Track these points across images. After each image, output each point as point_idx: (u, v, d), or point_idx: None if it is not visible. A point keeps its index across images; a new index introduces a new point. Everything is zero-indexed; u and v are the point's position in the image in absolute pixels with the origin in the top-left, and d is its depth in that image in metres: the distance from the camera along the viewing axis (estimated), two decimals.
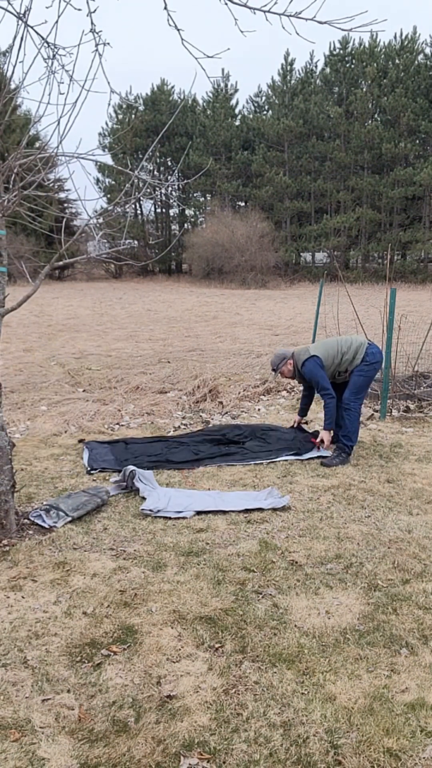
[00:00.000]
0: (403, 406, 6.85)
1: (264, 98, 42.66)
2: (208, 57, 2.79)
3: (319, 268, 38.72)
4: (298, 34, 2.72)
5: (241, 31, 2.68)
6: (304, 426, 5.88)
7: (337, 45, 37.86)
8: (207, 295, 27.06)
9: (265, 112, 41.88)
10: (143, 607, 2.88)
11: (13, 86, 3.27)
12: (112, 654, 2.54)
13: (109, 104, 3.61)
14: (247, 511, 4.05)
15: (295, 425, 5.81)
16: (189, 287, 33.57)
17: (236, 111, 41.88)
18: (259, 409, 6.94)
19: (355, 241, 38.87)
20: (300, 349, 5.47)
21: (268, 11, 2.56)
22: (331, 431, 5.24)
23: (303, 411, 5.77)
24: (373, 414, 6.55)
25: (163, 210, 45.45)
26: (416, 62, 35.86)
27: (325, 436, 5.23)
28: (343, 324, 8.36)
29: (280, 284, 34.42)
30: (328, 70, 38.35)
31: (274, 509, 4.07)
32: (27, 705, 2.25)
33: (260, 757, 2.02)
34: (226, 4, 2.67)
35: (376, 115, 36.89)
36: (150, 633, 2.68)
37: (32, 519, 3.83)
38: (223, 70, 40.74)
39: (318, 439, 5.29)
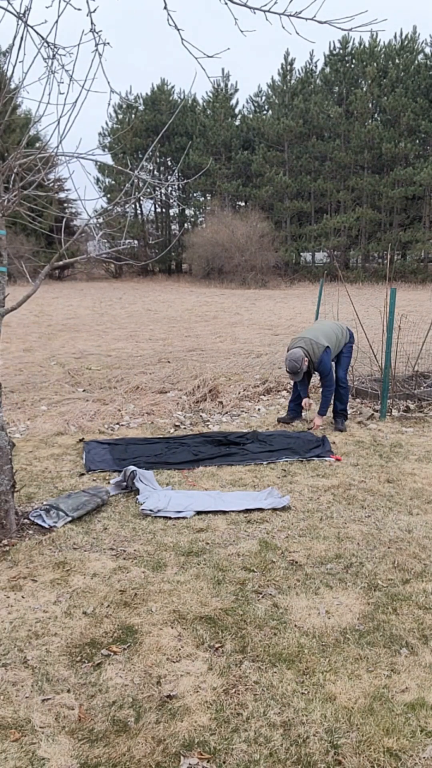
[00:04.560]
0: (403, 406, 6.84)
1: (264, 98, 42.62)
2: (208, 57, 2.80)
3: (319, 267, 38.66)
4: (298, 33, 2.72)
5: (241, 31, 2.68)
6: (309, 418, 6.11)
7: (337, 45, 37.85)
8: (207, 294, 27.04)
9: (265, 112, 41.82)
10: (143, 607, 2.88)
11: (13, 86, 3.27)
12: (112, 654, 2.55)
13: (109, 104, 3.61)
14: (247, 511, 4.05)
15: (308, 407, 6.14)
16: (189, 287, 33.55)
17: (236, 111, 41.83)
18: (259, 409, 6.94)
19: (355, 241, 38.84)
20: (308, 341, 5.73)
21: (268, 11, 2.57)
22: (324, 416, 5.93)
23: (306, 392, 6.13)
24: (373, 414, 6.54)
25: (163, 210, 45.43)
26: (416, 62, 35.78)
27: (319, 421, 5.92)
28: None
29: (280, 284, 34.39)
30: (328, 69, 38.29)
31: (274, 509, 4.07)
32: (27, 705, 2.25)
33: (260, 757, 2.02)
34: (226, 4, 2.67)
35: (376, 115, 36.83)
36: (150, 633, 2.68)
37: (32, 519, 3.84)
38: (223, 70, 40.70)
39: (314, 424, 5.95)
